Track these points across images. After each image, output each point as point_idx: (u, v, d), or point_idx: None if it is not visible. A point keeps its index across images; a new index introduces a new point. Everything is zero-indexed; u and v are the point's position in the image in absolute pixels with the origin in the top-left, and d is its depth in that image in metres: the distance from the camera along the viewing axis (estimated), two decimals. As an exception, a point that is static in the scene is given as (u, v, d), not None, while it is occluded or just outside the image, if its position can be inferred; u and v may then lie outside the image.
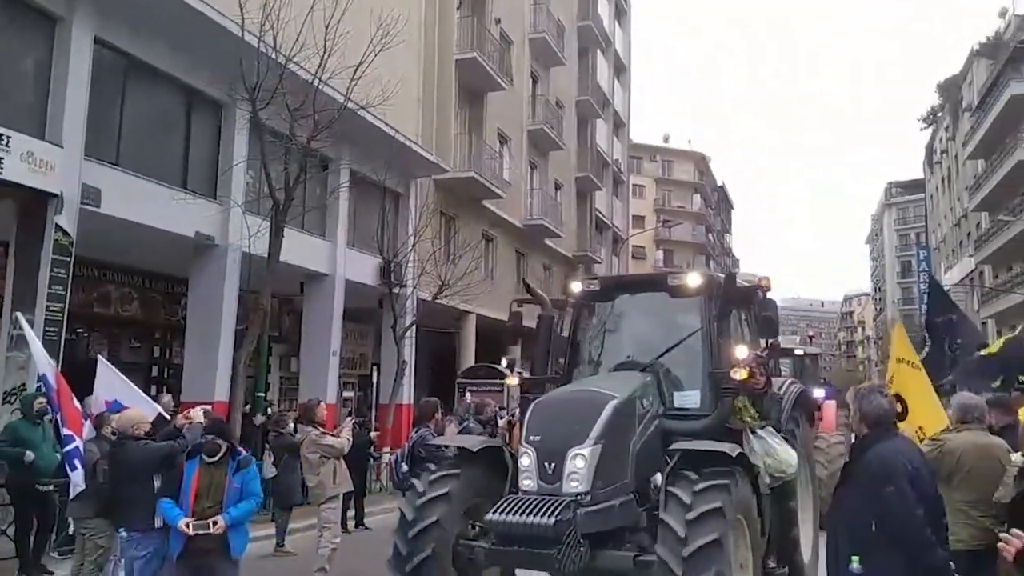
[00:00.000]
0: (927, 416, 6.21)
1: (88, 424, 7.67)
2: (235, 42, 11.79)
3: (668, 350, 6.50)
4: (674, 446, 5.47)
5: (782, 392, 7.08)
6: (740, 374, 5.83)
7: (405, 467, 9.30)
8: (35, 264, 10.75)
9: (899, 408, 5.68)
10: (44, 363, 7.91)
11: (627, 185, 47.93)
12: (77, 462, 7.10)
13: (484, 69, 23.34)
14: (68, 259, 11.13)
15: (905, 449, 4.13)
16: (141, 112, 13.17)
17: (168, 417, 8.31)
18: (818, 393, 12.62)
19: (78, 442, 7.23)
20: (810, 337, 19.19)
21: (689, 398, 6.35)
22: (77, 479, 7.05)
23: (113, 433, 7.18)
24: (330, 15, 12.27)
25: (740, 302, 6.72)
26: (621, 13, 44.22)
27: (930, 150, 56.04)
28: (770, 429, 6.28)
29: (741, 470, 5.32)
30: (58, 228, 10.89)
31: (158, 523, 5.99)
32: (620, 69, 43.68)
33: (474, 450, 5.90)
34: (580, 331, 7.34)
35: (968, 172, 42.38)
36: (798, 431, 7.02)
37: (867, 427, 4.24)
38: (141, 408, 7.65)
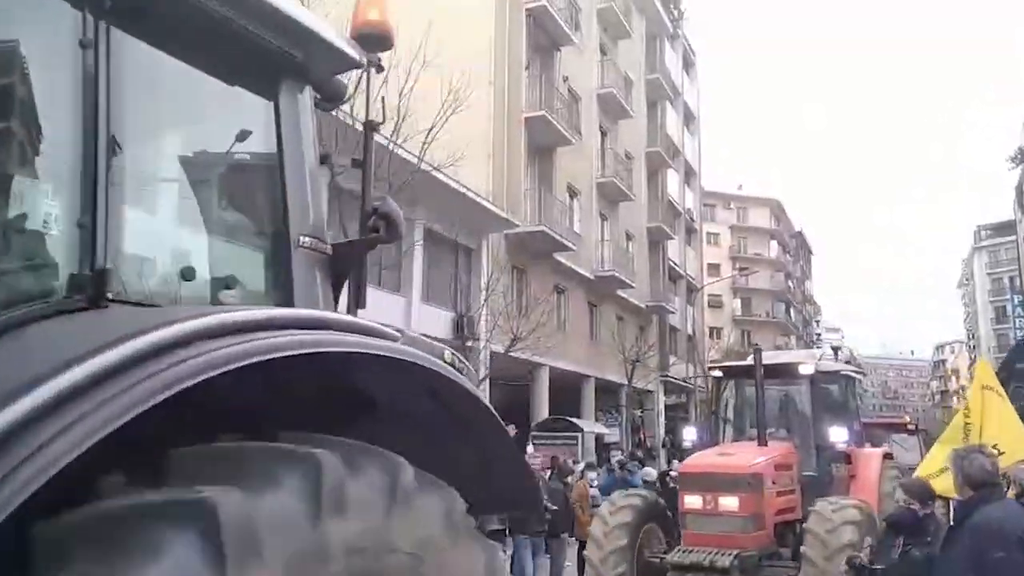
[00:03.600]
0: (1006, 435, 6.06)
1: None
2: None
3: None
4: None
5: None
6: None
7: None
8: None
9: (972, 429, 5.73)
10: None
11: (700, 233, 47.60)
12: None
13: (553, 126, 23.83)
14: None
15: (1014, 513, 4.04)
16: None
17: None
18: (837, 436, 8.71)
19: None
20: (835, 350, 13.59)
21: None
22: None
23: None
24: (403, 82, 12.88)
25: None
26: (689, 64, 44.55)
27: (1019, 191, 53.86)
28: None
29: None
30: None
31: None
32: (690, 118, 43.83)
33: None
34: None
35: (1062, 212, 40.54)
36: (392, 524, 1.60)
37: (971, 489, 4.13)
38: None
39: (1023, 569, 3.71)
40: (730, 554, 7.39)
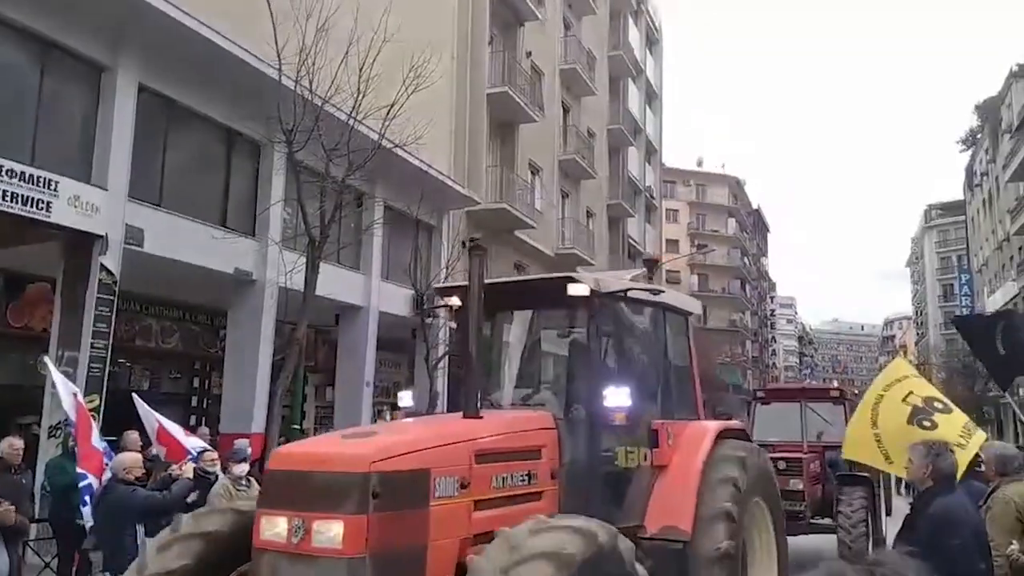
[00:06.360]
0: (960, 426, 6.13)
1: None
2: (273, 86, 12.19)
3: None
4: None
5: None
6: None
7: None
8: (80, 302, 11.13)
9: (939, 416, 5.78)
10: (68, 404, 8.28)
11: (660, 211, 47.91)
12: (88, 498, 7.37)
13: (515, 102, 23.67)
14: (112, 297, 11.52)
15: (967, 503, 4.30)
16: (183, 154, 13.62)
17: (209, 448, 8.58)
18: (615, 400, 5.06)
19: (91, 479, 7.51)
20: (648, 264, 7.57)
21: None
22: (87, 515, 7.32)
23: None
24: (364, 57, 12.63)
25: None
26: (652, 42, 44.49)
27: (970, 172, 55.18)
28: None
29: None
30: (103, 268, 11.29)
31: None
32: (652, 96, 43.87)
33: None
34: None
35: (1010, 195, 41.66)
36: None
37: (933, 481, 4.32)
38: (180, 440, 7.89)
39: (976, 554, 3.99)
40: None
